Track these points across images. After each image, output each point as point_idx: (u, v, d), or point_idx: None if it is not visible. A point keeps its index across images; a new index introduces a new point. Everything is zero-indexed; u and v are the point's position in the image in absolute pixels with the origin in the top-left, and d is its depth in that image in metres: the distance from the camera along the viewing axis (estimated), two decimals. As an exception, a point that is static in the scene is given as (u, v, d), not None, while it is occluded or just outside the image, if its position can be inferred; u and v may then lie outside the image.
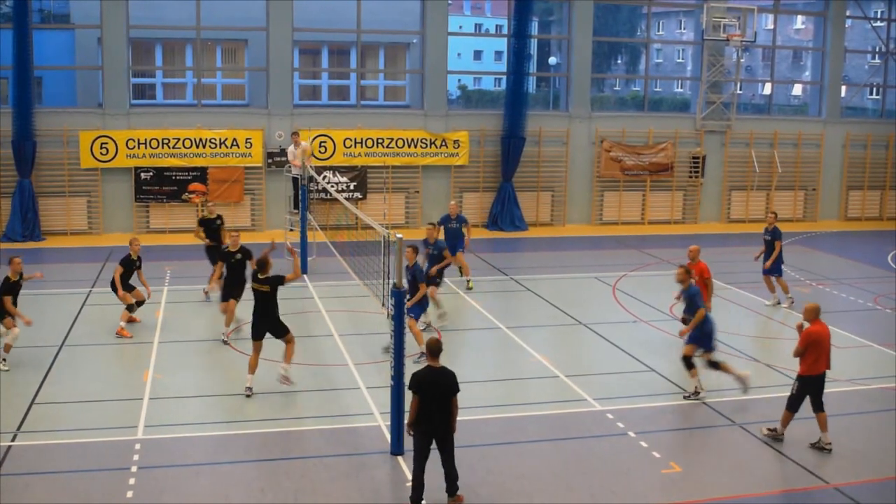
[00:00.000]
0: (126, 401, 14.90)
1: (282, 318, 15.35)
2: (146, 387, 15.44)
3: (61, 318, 18.98)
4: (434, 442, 11.18)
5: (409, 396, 11.36)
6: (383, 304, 14.04)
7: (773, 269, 21.54)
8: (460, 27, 75.39)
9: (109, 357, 17.73)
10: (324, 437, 13.59)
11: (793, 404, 13.34)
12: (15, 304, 16.39)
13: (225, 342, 17.83)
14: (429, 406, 11.03)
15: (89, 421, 14.14)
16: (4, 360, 16.17)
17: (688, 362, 15.30)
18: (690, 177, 34.53)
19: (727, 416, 14.51)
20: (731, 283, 23.14)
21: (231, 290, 18.29)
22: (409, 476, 11.48)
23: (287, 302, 20.65)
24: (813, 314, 13.23)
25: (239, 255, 18.28)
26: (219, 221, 21.36)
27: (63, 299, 20.24)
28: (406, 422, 11.52)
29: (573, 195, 33.68)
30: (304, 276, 23.69)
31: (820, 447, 13.19)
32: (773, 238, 21.48)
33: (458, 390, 11.16)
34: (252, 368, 15.13)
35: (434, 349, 11.25)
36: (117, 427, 13.81)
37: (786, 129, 35.47)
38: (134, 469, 12.19)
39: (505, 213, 32.33)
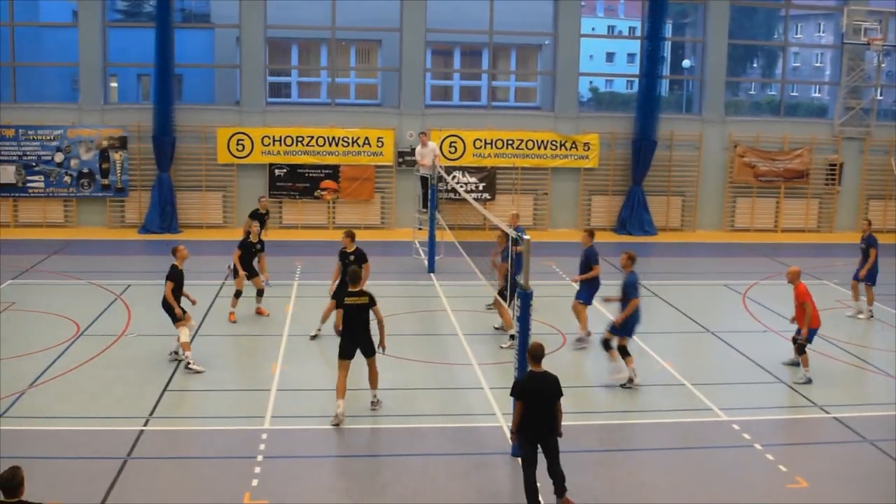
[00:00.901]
0: (255, 391, 15.30)
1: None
2: (274, 378, 15.79)
3: (195, 309, 19.48)
4: (539, 447, 11.02)
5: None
6: (509, 305, 14.04)
7: (868, 278, 21.12)
8: (593, 29, 74.80)
9: (240, 348, 18.25)
10: (445, 435, 13.65)
11: None
12: (180, 294, 16.41)
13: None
14: (532, 411, 10.89)
15: (219, 409, 14.57)
16: (182, 355, 16.16)
17: (623, 350, 15.76)
18: (827, 184, 33.57)
19: (857, 432, 14.04)
20: (862, 295, 22.31)
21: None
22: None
23: (413, 300, 20.88)
24: None
25: (353, 256, 17.73)
26: (267, 217, 22.35)
27: (197, 290, 20.71)
28: (510, 428, 11.44)
29: (704, 200, 33.10)
30: (431, 274, 23.87)
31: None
32: (868, 246, 21.12)
33: (561, 394, 11.00)
34: (341, 392, 13.80)
35: (536, 354, 11.05)
36: (245, 416, 14.20)
37: (929, 138, 34.12)
38: (260, 458, 12.46)
39: (634, 217, 31.96)
